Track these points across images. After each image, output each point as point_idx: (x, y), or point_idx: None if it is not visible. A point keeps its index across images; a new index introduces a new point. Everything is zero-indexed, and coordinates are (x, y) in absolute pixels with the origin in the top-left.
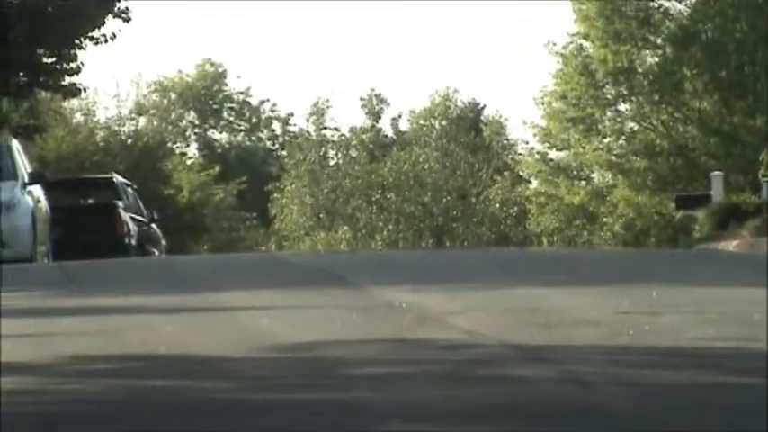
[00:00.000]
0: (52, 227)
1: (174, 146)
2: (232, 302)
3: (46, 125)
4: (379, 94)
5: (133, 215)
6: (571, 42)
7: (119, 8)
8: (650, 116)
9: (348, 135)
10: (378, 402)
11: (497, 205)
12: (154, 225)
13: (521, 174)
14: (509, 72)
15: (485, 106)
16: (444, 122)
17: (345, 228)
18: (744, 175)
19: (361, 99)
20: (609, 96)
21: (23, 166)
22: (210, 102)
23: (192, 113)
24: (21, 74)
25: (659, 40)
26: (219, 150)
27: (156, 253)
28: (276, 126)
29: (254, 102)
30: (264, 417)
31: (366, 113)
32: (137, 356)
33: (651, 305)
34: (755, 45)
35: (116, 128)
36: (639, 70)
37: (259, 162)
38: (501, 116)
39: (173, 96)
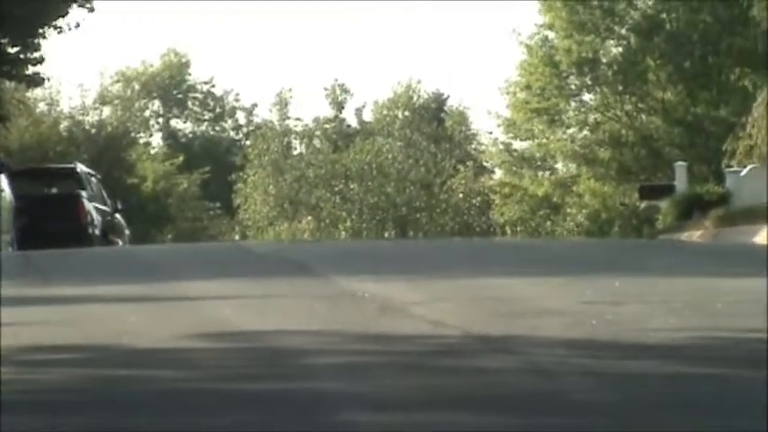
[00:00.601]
0: (16, 216)
1: (138, 135)
2: (195, 292)
3: (9, 115)
4: (343, 85)
5: (97, 205)
6: (536, 33)
7: None
8: (614, 106)
9: (311, 125)
10: (340, 393)
11: (461, 195)
12: (117, 215)
13: (484, 164)
14: (473, 62)
15: (448, 97)
16: (407, 113)
17: (309, 218)
18: (707, 166)
19: (325, 89)
20: (573, 87)
21: None
22: (175, 91)
23: (157, 103)
24: None
25: (623, 31)
26: (183, 140)
27: (120, 242)
28: (240, 116)
29: (217, 92)
30: (227, 407)
31: (330, 103)
32: (99, 346)
33: (614, 295)
34: (719, 35)
35: (80, 117)
36: (604, 60)
37: (223, 152)
38: (464, 107)
39: (136, 87)
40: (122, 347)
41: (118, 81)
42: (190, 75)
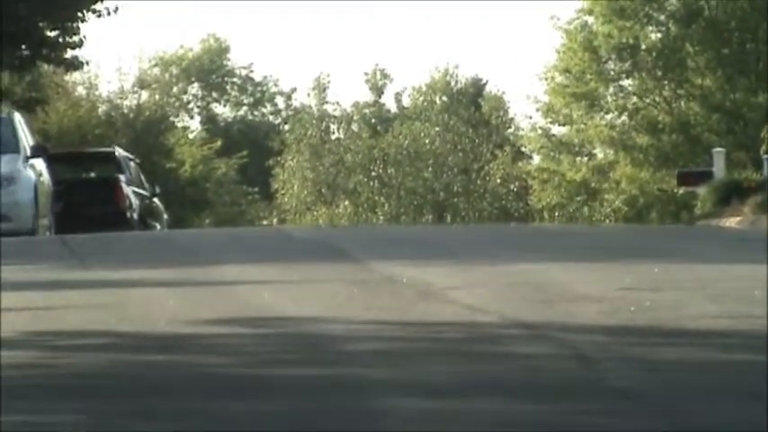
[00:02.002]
0: (54, 200)
1: (177, 120)
2: (234, 276)
3: (48, 98)
4: (383, 70)
5: (135, 189)
6: (576, 18)
7: None
8: (653, 92)
9: (350, 110)
10: (379, 379)
11: (498, 181)
12: (156, 199)
13: (522, 149)
14: (511, 47)
15: (486, 82)
16: (445, 98)
17: (347, 202)
18: (746, 152)
19: (365, 74)
20: (612, 72)
21: (26, 139)
22: (213, 76)
23: (196, 87)
24: (23, 47)
25: (663, 17)
26: (222, 125)
27: (158, 227)
28: (279, 101)
29: (256, 77)
30: (265, 392)
31: (369, 88)
32: (138, 330)
33: (653, 281)
34: (758, 23)
35: (118, 101)
36: (643, 46)
37: (261, 136)
38: (502, 91)
39: (174, 71)
40: (160, 332)
41: (156, 65)
42: (229, 60)
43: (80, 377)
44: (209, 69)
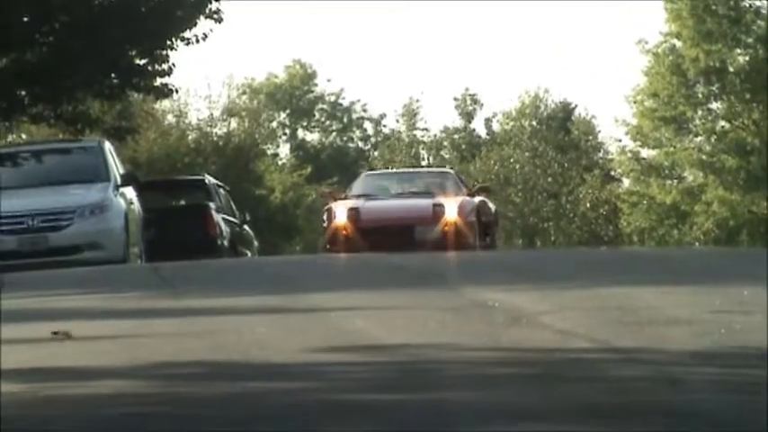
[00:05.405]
0: (145, 228)
1: (266, 147)
2: (325, 303)
3: (138, 127)
4: (473, 95)
5: (225, 216)
6: (663, 41)
7: (211, 9)
8: (741, 115)
9: (439, 135)
10: (471, 403)
11: (588, 204)
12: (246, 226)
13: (611, 173)
14: (599, 71)
15: (576, 106)
16: (534, 122)
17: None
18: None
19: (455, 99)
20: (700, 95)
21: (116, 167)
22: (301, 103)
23: (283, 114)
24: (113, 75)
25: (750, 40)
26: (311, 151)
27: (249, 254)
28: (368, 126)
29: (345, 102)
30: (360, 418)
31: (459, 114)
32: (231, 359)
33: (743, 304)
34: None
35: (207, 129)
36: (731, 69)
37: (351, 162)
38: (591, 115)
39: (262, 98)
40: (252, 360)
41: (244, 93)
42: (316, 85)
43: (172, 406)
44: (297, 96)
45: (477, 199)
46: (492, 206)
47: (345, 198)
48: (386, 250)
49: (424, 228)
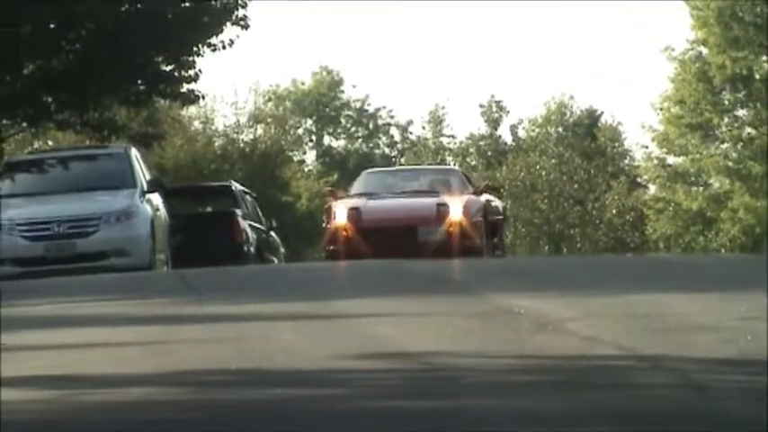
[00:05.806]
0: (171, 235)
1: (292, 153)
2: (350, 310)
3: (164, 133)
4: (499, 102)
5: (251, 223)
6: (690, 49)
7: (237, 15)
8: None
9: (465, 142)
10: (496, 410)
11: (614, 211)
12: (272, 232)
13: (637, 179)
14: (625, 78)
15: (602, 113)
16: (560, 129)
17: None
18: None
19: (481, 106)
20: (726, 102)
21: (142, 174)
22: (327, 109)
23: (309, 121)
24: (139, 82)
25: None
26: (338, 157)
27: (275, 260)
28: (395, 132)
29: (371, 109)
30: (385, 424)
31: (485, 121)
32: (256, 366)
33: None
34: None
35: (234, 136)
36: (757, 76)
37: None
38: (617, 122)
39: (288, 105)
40: (278, 367)
41: (270, 99)
42: (342, 92)
43: (201, 412)
44: (323, 102)
45: (484, 198)
46: (500, 205)
47: (347, 197)
48: (387, 252)
49: (427, 228)
